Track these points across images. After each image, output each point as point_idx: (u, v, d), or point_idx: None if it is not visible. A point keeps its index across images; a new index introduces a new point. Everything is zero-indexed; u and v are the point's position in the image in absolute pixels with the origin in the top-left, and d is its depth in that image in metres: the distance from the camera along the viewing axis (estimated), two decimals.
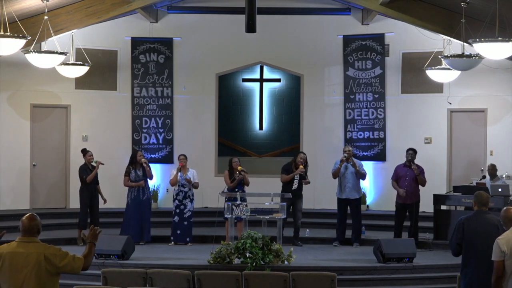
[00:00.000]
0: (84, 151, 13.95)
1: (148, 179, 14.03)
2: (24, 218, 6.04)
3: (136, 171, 13.83)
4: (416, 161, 13.68)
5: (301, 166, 13.59)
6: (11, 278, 5.87)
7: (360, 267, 11.65)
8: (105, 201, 13.87)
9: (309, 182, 13.81)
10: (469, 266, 7.60)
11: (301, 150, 15.83)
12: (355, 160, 13.95)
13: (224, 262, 11.21)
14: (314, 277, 9.51)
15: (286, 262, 11.34)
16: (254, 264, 10.97)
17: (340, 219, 13.91)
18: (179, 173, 13.68)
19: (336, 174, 13.83)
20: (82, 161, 13.94)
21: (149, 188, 14.13)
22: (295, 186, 13.62)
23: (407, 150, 13.72)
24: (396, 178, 13.67)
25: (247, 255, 11.11)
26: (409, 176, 13.50)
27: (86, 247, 6.17)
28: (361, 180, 14.05)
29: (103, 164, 13.85)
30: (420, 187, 13.63)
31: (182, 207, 13.72)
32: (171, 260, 11.92)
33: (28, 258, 5.87)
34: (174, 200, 13.81)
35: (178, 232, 13.73)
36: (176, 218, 13.71)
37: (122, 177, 13.90)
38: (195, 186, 13.81)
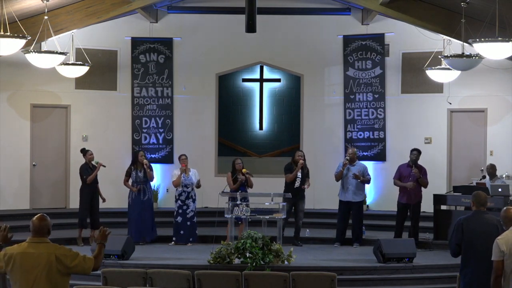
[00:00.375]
0: (84, 151, 13.96)
1: (153, 179, 14.10)
2: (34, 218, 6.05)
3: (137, 172, 13.85)
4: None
5: (301, 161, 13.60)
6: (22, 278, 5.88)
7: (360, 267, 11.66)
8: (104, 200, 13.88)
9: (308, 186, 13.80)
10: (468, 266, 7.60)
11: (300, 149, 15.88)
12: (359, 163, 13.94)
13: (224, 262, 11.21)
14: (314, 277, 9.51)
15: (286, 262, 11.34)
16: (254, 264, 10.97)
17: (341, 220, 13.89)
18: (182, 174, 13.70)
19: (338, 177, 13.81)
20: (82, 161, 13.95)
21: (151, 188, 14.15)
22: (297, 184, 13.63)
23: (412, 150, 13.69)
24: (399, 178, 13.67)
25: (247, 255, 11.11)
26: (412, 176, 13.48)
27: (96, 248, 6.21)
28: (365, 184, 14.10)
29: (104, 166, 13.85)
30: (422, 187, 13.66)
31: (185, 207, 13.73)
32: (171, 260, 11.92)
33: (39, 259, 5.88)
34: (176, 201, 13.81)
35: (182, 232, 13.73)
36: (179, 219, 13.72)
37: (123, 177, 13.92)
38: (199, 185, 13.91)
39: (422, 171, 13.56)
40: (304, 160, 13.79)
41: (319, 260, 12.20)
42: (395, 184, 13.78)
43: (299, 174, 13.67)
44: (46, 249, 5.93)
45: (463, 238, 7.60)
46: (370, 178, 13.98)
